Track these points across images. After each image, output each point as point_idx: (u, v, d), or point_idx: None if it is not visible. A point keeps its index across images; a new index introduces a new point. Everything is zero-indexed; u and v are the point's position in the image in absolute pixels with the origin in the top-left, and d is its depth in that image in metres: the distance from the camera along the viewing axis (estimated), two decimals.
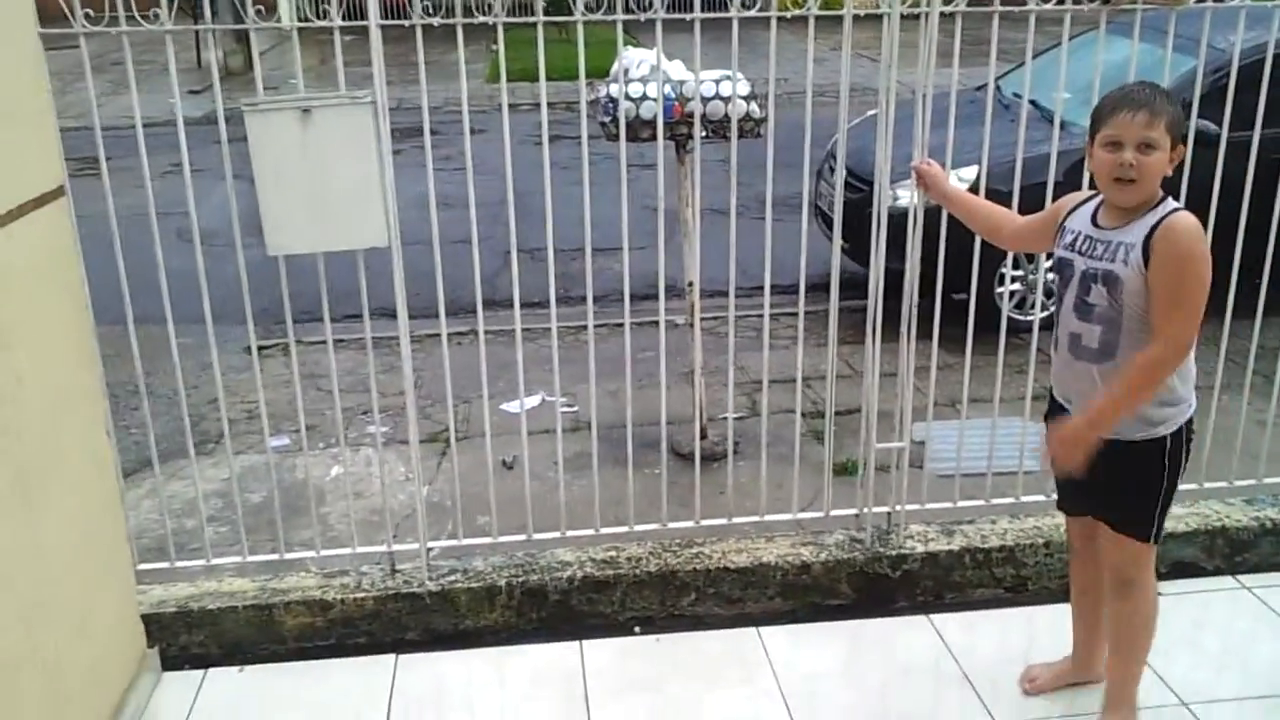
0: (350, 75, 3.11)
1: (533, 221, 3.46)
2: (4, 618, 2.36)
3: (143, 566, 3.38)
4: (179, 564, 3.47)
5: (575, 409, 4.94)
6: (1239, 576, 3.58)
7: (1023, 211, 3.11)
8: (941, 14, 3.22)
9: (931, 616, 3.43)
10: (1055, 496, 3.01)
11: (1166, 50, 3.52)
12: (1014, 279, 5.69)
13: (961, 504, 3.69)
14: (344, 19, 3.10)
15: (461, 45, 3.17)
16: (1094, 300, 2.55)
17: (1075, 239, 2.62)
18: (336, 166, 3.05)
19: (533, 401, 4.88)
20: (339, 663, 3.26)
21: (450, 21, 3.12)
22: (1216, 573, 3.60)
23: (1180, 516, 3.64)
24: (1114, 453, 2.59)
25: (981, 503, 3.70)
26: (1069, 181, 3.46)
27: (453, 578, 3.45)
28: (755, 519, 3.67)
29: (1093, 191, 2.68)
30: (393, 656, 3.27)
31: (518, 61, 3.28)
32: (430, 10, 3.09)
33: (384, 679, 3.17)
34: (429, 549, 3.49)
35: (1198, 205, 3.33)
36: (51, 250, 2.74)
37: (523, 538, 3.56)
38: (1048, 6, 3.33)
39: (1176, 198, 2.92)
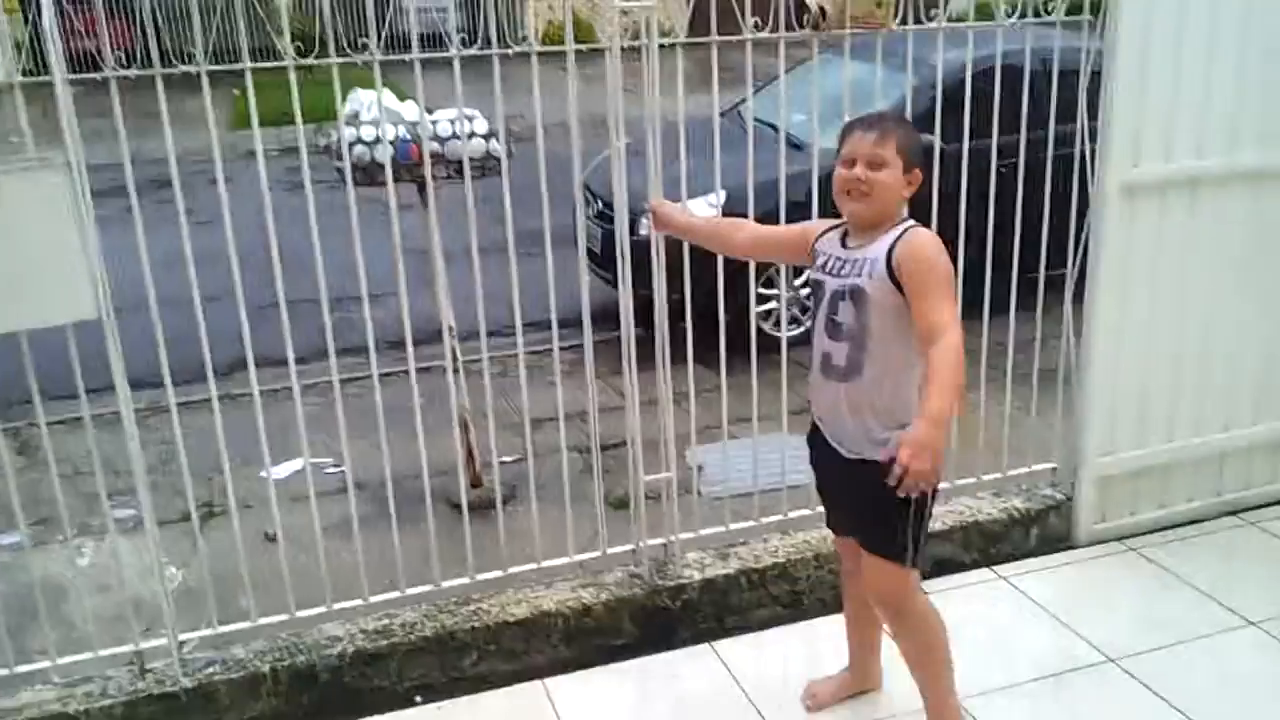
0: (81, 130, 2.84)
1: (285, 274, 3.28)
2: None
3: None
4: None
5: (341, 469, 4.71)
6: (995, 567, 3.76)
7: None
8: (669, 45, 3.26)
9: (714, 644, 3.44)
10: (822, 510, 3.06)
11: (877, 70, 3.71)
12: (771, 298, 5.84)
13: (734, 526, 3.73)
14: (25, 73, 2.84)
15: (163, 96, 2.95)
16: (841, 318, 2.60)
17: (827, 261, 2.68)
18: (28, 236, 2.78)
19: (294, 466, 4.62)
20: None
21: (147, 72, 2.90)
22: (974, 565, 3.78)
23: (937, 515, 3.79)
24: (861, 472, 2.64)
25: (753, 523, 3.75)
26: (809, 201, 3.60)
27: (211, 670, 3.19)
28: (533, 566, 3.58)
29: (842, 219, 2.74)
30: None
31: (244, 107, 3.11)
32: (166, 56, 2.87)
33: None
34: (181, 642, 3.23)
35: (924, 213, 3.55)
36: None
37: (285, 617, 3.35)
38: (761, 35, 3.42)
39: (925, 209, 3.04)
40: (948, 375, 2.39)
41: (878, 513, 2.65)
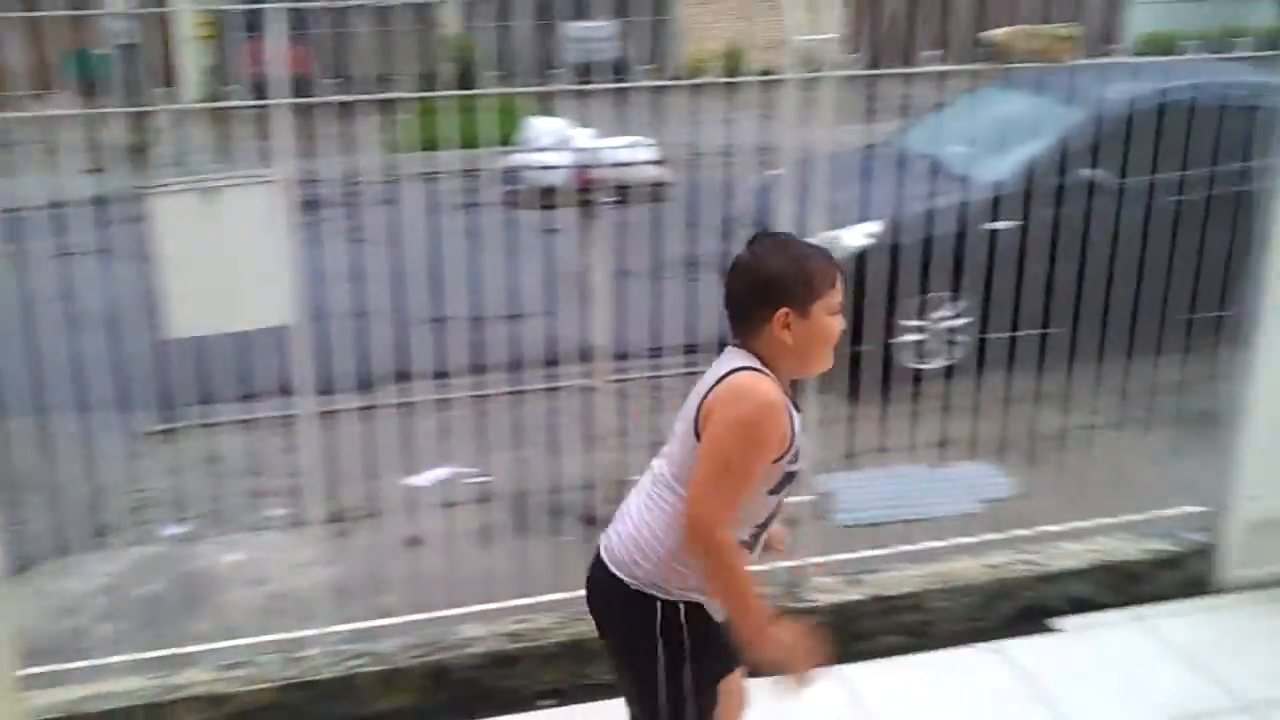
0: (253, 151, 3.09)
1: (438, 291, 3.47)
2: None
3: (27, 671, 3.24)
4: (67, 665, 3.33)
5: (488, 479, 4.89)
6: (1133, 609, 3.66)
7: (923, 267, 3.13)
8: (838, 77, 3.33)
9: (842, 668, 3.44)
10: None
11: (1039, 103, 3.70)
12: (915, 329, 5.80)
13: (867, 553, 3.73)
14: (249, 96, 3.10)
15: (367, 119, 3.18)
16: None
17: (798, 444, 2.17)
18: (240, 246, 3.02)
19: (441, 474, 4.82)
20: None
21: (361, 98, 3.13)
22: (1112, 606, 3.68)
23: (1075, 553, 3.73)
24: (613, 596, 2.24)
25: (887, 550, 3.74)
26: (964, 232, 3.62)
27: (356, 662, 3.36)
28: None
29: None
30: None
31: (421, 131, 3.32)
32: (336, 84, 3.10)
33: None
34: (331, 633, 3.42)
35: (1099, 252, 3.50)
36: None
37: (428, 615, 3.50)
38: (937, 68, 3.46)
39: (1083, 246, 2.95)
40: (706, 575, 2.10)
41: (629, 658, 2.36)
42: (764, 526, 2.23)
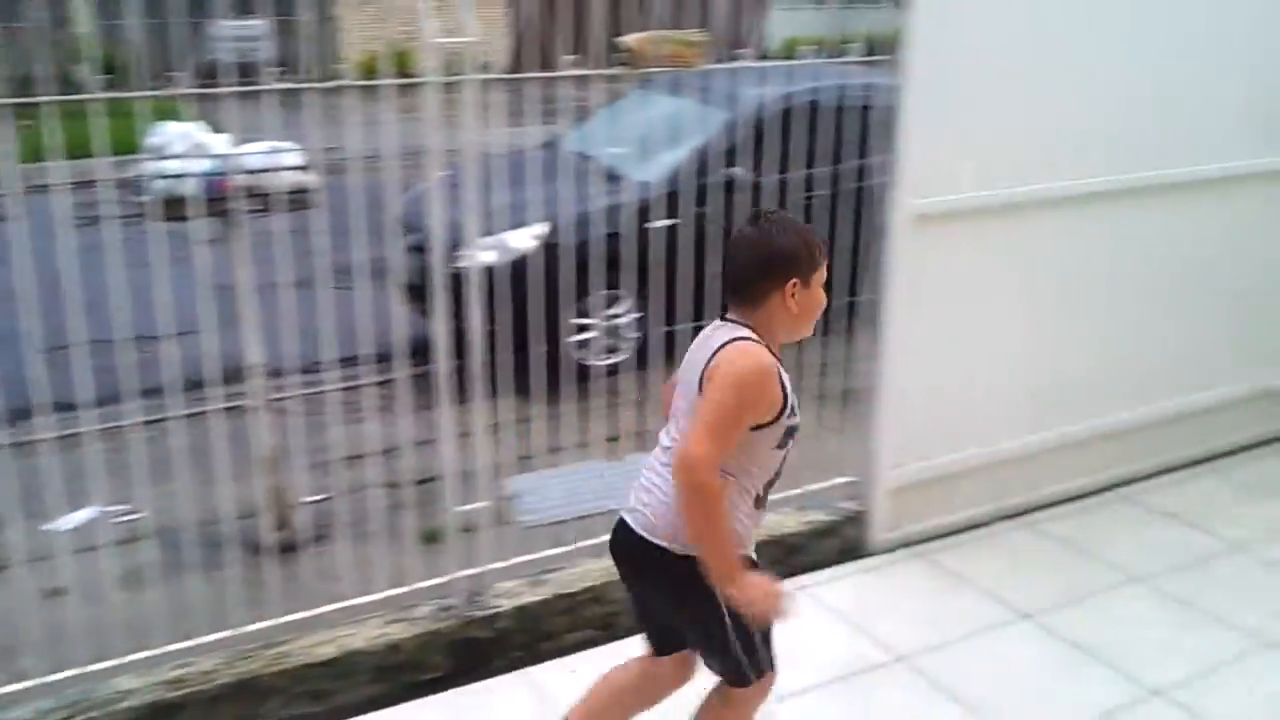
0: None
1: (56, 315, 3.13)
2: None
3: None
4: None
5: (141, 515, 4.49)
6: (796, 578, 3.91)
7: (588, 267, 3.15)
8: (479, 81, 3.31)
9: (528, 670, 3.44)
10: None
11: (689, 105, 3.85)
12: (587, 328, 5.92)
13: (548, 552, 3.75)
14: None
15: None
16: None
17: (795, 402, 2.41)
18: None
19: (84, 515, 4.38)
20: None
21: None
22: (778, 578, 3.90)
23: None
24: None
25: (567, 548, 3.78)
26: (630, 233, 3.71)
27: None
28: (340, 605, 3.50)
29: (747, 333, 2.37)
30: None
31: (28, 140, 2.99)
32: None
33: None
34: None
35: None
36: None
37: (72, 672, 3.17)
38: (575, 72, 3.51)
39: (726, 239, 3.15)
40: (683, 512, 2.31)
41: (697, 622, 2.57)
42: (773, 482, 2.47)
